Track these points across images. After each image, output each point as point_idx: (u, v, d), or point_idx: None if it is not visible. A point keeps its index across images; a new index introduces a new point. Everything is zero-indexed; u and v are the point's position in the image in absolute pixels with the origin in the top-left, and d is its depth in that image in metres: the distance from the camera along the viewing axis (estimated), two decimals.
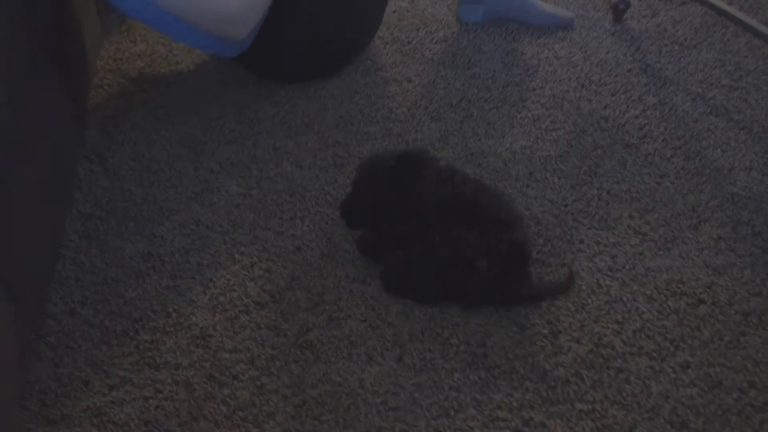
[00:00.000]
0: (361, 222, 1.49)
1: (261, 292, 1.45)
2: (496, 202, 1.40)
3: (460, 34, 2.02)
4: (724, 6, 1.82)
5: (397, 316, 1.39)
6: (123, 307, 1.43)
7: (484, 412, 1.24)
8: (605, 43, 1.96)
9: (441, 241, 1.34)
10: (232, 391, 1.30)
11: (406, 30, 2.09)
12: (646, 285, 1.41)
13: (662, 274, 1.43)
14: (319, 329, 1.38)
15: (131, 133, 1.80)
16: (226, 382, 1.31)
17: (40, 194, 1.46)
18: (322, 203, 1.61)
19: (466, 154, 1.69)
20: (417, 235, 1.39)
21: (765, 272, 1.42)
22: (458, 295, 1.38)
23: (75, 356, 1.36)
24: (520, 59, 1.92)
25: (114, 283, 1.48)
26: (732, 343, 1.31)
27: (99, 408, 1.28)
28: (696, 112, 1.77)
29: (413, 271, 1.39)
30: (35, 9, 1.47)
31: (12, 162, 1.30)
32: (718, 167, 1.63)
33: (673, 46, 1.94)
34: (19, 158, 1.34)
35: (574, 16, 2.02)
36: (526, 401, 1.25)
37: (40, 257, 1.44)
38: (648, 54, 1.93)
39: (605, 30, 2.00)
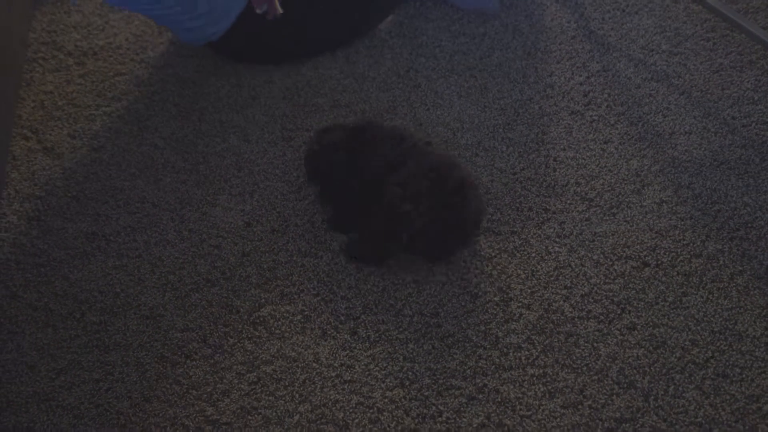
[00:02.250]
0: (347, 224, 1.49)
1: (211, 269, 1.43)
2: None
3: (406, 2, 2.00)
4: None
5: (350, 290, 1.39)
6: (68, 288, 1.40)
7: (438, 380, 1.26)
8: (550, 10, 1.97)
9: (382, 200, 1.37)
10: (185, 370, 1.28)
11: None
12: (593, 250, 1.44)
13: (608, 238, 1.46)
14: (271, 305, 1.37)
15: (69, 108, 1.74)
16: (178, 362, 1.29)
17: None
18: (271, 177, 1.59)
19: (415, 124, 1.69)
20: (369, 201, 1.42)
21: (705, 234, 1.46)
22: (414, 246, 1.39)
23: (19, 341, 1.32)
24: (466, 27, 1.92)
25: (57, 265, 1.44)
26: (675, 303, 1.36)
27: (46, 393, 1.25)
28: (638, 78, 1.79)
29: (368, 238, 1.41)
30: None
31: None
32: (659, 132, 1.67)
33: (615, 12, 1.96)
34: None
35: (499, 2, 1.96)
36: (479, 368, 1.27)
37: None
38: (591, 20, 1.95)
39: None
